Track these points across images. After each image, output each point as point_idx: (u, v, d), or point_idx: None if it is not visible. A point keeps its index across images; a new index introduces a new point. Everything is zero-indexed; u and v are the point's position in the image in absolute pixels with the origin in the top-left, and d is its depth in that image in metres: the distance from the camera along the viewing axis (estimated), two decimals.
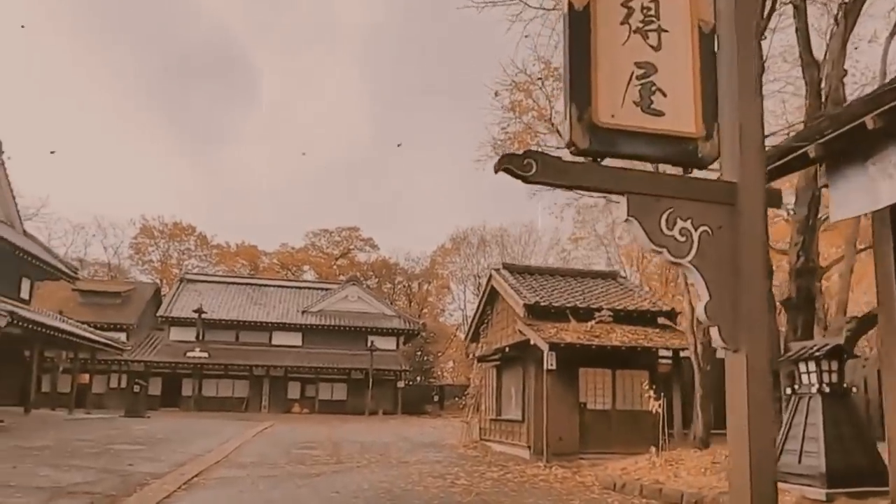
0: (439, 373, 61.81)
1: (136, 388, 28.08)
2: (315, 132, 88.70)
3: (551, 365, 13.06)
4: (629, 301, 15.10)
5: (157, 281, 54.36)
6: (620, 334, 13.51)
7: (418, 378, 52.56)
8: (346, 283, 45.55)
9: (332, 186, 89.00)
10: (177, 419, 27.34)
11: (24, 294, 25.43)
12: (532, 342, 13.28)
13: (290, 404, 38.99)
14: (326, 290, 45.91)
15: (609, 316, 13.77)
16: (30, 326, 20.78)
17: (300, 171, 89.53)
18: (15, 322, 18.62)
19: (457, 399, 44.68)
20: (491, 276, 16.73)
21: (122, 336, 36.76)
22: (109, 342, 27.37)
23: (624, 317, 14.29)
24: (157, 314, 40.04)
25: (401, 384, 40.93)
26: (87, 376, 35.10)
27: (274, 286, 46.57)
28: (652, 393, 11.82)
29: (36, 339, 23.87)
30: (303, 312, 42.29)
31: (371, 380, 38.37)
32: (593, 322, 13.58)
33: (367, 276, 60.16)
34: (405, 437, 20.70)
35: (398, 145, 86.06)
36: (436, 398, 42.39)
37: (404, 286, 64.45)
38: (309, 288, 47.30)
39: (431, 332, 54.82)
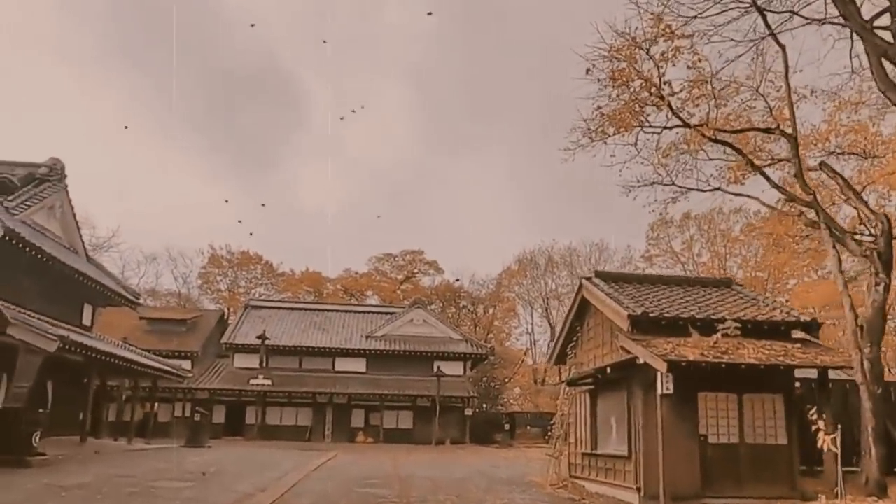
0: (507, 400, 58.98)
1: (197, 417, 26.97)
2: (368, 150, 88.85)
3: (667, 388, 10.61)
4: (755, 311, 12.46)
5: (225, 309, 54.39)
6: (753, 350, 10.92)
7: (485, 405, 49.99)
8: (411, 306, 43.85)
9: (389, 207, 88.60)
10: (238, 449, 25.99)
11: (86, 320, 24.82)
12: (641, 361, 10.88)
13: (353, 433, 37.28)
14: (391, 313, 44.34)
15: (736, 328, 11.20)
16: (86, 352, 19.87)
17: (356, 192, 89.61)
18: (67, 347, 17.57)
19: (528, 428, 41.89)
20: (581, 285, 14.40)
21: (187, 363, 36.14)
22: (170, 369, 26.40)
23: (752, 330, 11.68)
24: (222, 341, 39.39)
25: (469, 412, 38.58)
26: (154, 405, 34.75)
27: (337, 311, 45.40)
28: (820, 423, 9.16)
29: (95, 367, 23.09)
30: (367, 337, 40.79)
31: (438, 407, 36.21)
32: (718, 336, 11.04)
33: (431, 301, 58.42)
34: (480, 471, 18.38)
35: (452, 172, 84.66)
36: (506, 426, 39.65)
37: (469, 310, 62.34)
38: (373, 312, 45.88)
39: (498, 358, 52.30)
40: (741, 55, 10.94)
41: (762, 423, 11.93)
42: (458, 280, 60.86)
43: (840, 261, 11.39)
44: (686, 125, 11.36)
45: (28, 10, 75.94)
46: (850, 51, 12.45)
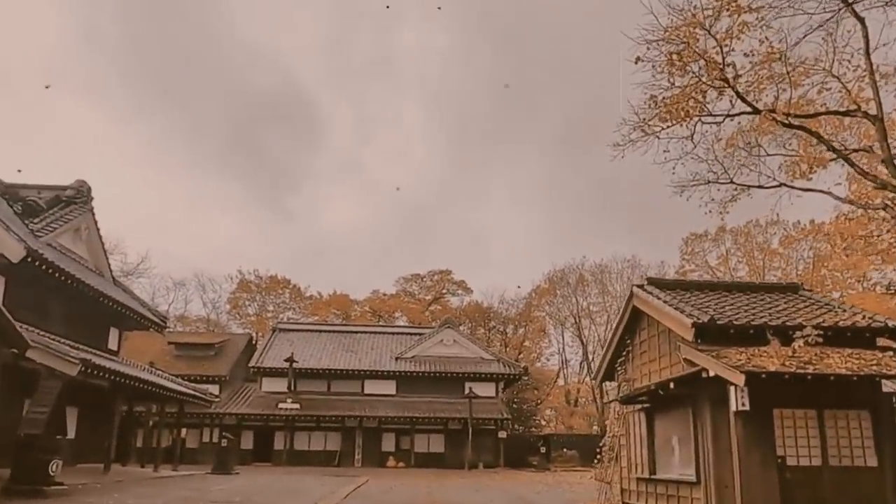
0: (539, 421, 57.21)
1: (224, 443, 26.10)
2: (391, 171, 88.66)
3: (742, 404, 9.37)
4: (832, 317, 11.16)
5: (253, 333, 53.99)
6: (840, 359, 9.64)
7: (518, 427, 48.39)
8: (441, 326, 42.75)
9: (415, 227, 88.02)
10: (266, 475, 25.01)
11: (112, 344, 24.24)
12: (711, 374, 9.67)
13: (384, 458, 36.09)
14: (420, 334, 43.32)
15: (817, 336, 9.94)
16: (111, 377, 19.23)
17: (380, 213, 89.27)
18: (90, 371, 16.89)
19: (564, 450, 40.21)
20: (632, 294, 13.23)
21: (215, 388, 35.49)
22: (198, 394, 25.65)
23: (832, 337, 10.40)
24: (249, 364, 38.72)
25: (502, 434, 37.11)
26: (182, 431, 34.09)
27: (366, 332, 44.53)
28: None
29: (121, 392, 22.45)
30: (396, 359, 39.78)
31: (470, 430, 34.87)
32: (798, 343, 9.79)
33: (461, 321, 57.29)
34: (522, 497, 17.08)
35: (478, 191, 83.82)
36: (542, 449, 38.04)
37: (499, 330, 61.01)
38: (402, 333, 44.91)
39: (530, 378, 50.79)
40: (812, 31, 9.86)
41: (847, 443, 10.54)
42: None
43: None
44: (755, 110, 10.25)
45: (54, 43, 78.00)
46: None
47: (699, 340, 10.53)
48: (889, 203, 10.84)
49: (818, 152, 12.60)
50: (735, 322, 10.62)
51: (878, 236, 14.49)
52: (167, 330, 37.78)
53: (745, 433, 9.71)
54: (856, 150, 11.10)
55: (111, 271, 25.23)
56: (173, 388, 23.40)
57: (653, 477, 12.44)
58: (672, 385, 10.64)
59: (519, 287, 76.37)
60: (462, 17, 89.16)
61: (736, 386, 9.32)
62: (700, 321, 10.44)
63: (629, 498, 13.64)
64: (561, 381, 61.70)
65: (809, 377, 9.10)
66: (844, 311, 11.74)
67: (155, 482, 18.33)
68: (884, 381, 10.25)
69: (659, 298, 12.06)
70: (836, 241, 14.71)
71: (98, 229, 23.69)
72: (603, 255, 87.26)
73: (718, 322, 10.45)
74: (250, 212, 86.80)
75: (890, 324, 10.84)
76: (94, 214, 23.50)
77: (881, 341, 11.22)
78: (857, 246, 15.49)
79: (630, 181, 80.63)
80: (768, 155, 13.20)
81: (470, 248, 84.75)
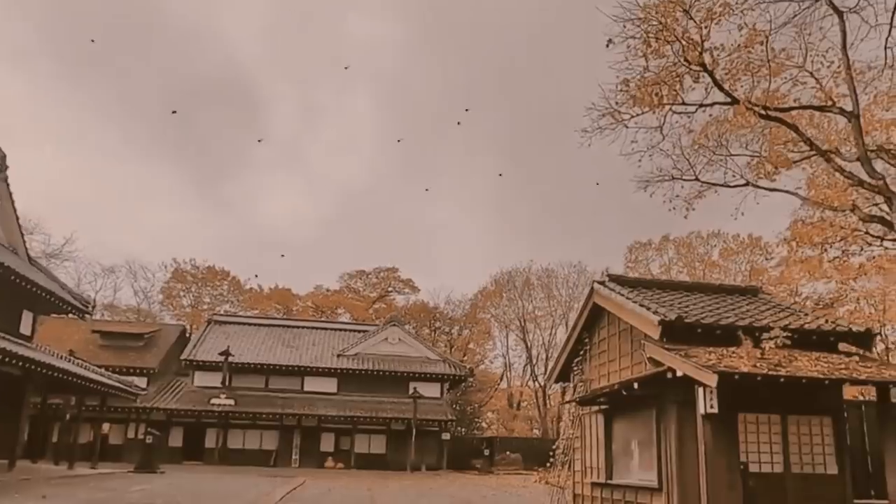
0: (482, 424, 56.83)
1: (149, 439, 24.31)
2: (332, 164, 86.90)
3: (711, 407, 8.86)
4: (796, 320, 10.87)
5: (188, 326, 51.39)
6: (808, 362, 9.29)
7: (461, 430, 47.80)
8: (386, 323, 41.67)
9: (360, 222, 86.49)
10: (195, 475, 23.42)
11: (25, 329, 22.14)
12: (678, 374, 9.14)
13: (323, 458, 34.76)
14: (364, 331, 42.12)
15: (785, 338, 9.57)
16: (20, 364, 17.43)
17: (324, 206, 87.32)
18: None
19: (507, 453, 39.79)
20: (593, 290, 12.66)
21: (143, 381, 33.43)
22: (121, 386, 23.81)
23: (797, 340, 10.07)
24: (181, 357, 36.60)
25: (446, 436, 36.39)
26: (104, 426, 31.80)
27: (307, 327, 42.97)
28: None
29: (33, 381, 20.51)
30: (338, 356, 38.46)
31: (414, 431, 33.96)
32: (770, 345, 9.38)
33: (406, 320, 56.33)
34: (469, 502, 16.34)
35: (426, 189, 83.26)
36: (486, 452, 37.52)
37: (444, 331, 60.30)
38: (345, 330, 43.56)
39: (474, 380, 50.29)
40: (791, 20, 9.52)
41: (809, 450, 10.28)
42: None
43: None
44: (733, 100, 9.84)
45: None
46: (886, 40, 11.25)
47: (665, 339, 10.02)
48: (857, 205, 10.63)
49: (784, 152, 12.40)
50: (703, 321, 10.16)
51: (833, 244, 14.47)
52: (92, 318, 35.41)
53: (712, 438, 9.22)
54: (823, 152, 10.86)
55: (27, 250, 23.12)
56: (94, 379, 21.57)
57: (609, 482, 11.89)
58: (636, 385, 10.08)
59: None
60: (416, 6, 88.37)
61: (705, 387, 8.81)
62: (667, 319, 9.93)
63: (583, 503, 13.07)
64: (504, 384, 61.55)
65: (782, 380, 8.66)
66: (806, 314, 11.51)
67: (66, 481, 16.65)
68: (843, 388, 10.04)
69: (622, 295, 11.53)
70: (792, 245, 14.59)
71: (13, 202, 21.59)
72: (550, 260, 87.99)
73: (686, 321, 9.95)
74: (187, 199, 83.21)
75: (854, 328, 10.62)
76: (8, 185, 21.41)
77: (842, 346, 11.05)
78: (811, 252, 15.48)
79: (580, 187, 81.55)
80: (731, 155, 12.97)
81: (418, 246, 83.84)
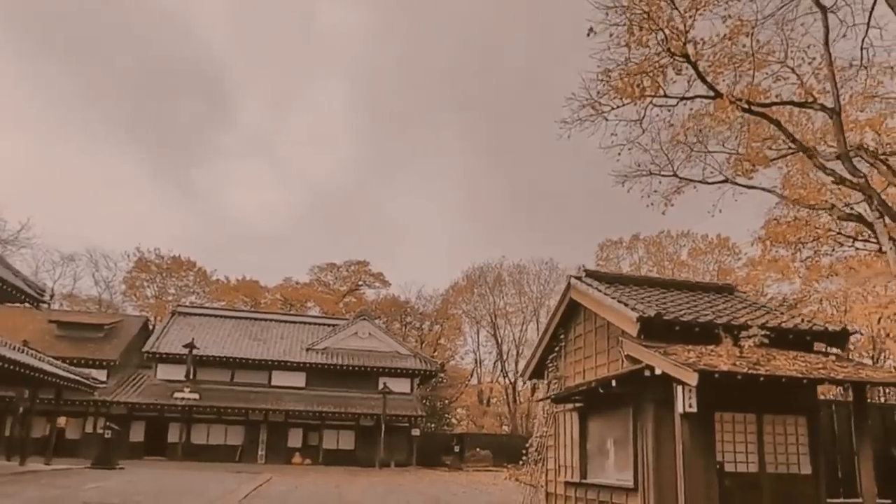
0: (451, 420, 56.68)
1: (107, 434, 23.46)
2: (302, 155, 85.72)
3: (690, 406, 8.70)
4: (773, 319, 10.80)
5: (151, 317, 49.98)
6: (787, 361, 9.19)
7: (431, 426, 47.54)
8: (356, 317, 41.10)
9: (331, 214, 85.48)
10: (156, 471, 22.66)
11: None
12: (657, 371, 8.95)
13: (290, 454, 34.11)
14: (334, 325, 41.49)
15: (763, 336, 9.46)
16: None
17: (294, 197, 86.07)
18: None
19: (477, 450, 39.68)
20: (569, 285, 12.44)
21: (102, 374, 32.27)
22: (78, 378, 22.88)
23: (774, 339, 9.99)
24: (143, 349, 35.51)
25: (416, 432, 36.06)
26: (61, 420, 30.66)
27: (275, 321, 42.15)
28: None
29: None
30: (307, 350, 37.79)
31: (383, 426, 33.55)
32: (749, 344, 9.26)
33: (376, 315, 55.83)
34: (442, 501, 16.06)
35: (398, 184, 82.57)
36: (456, 448, 37.32)
37: (415, 326, 59.91)
38: (314, 323, 42.84)
39: (445, 376, 50.07)
40: (775, 12, 9.39)
41: (784, 450, 10.20)
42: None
43: None
44: (716, 93, 9.67)
45: None
46: (863, 40, 11.24)
47: (643, 336, 9.84)
48: (835, 204, 10.59)
49: (763, 150, 12.34)
50: (682, 318, 9.99)
51: (806, 244, 14.50)
52: (50, 307, 34.12)
53: (690, 437, 9.06)
54: (806, 148, 10.78)
55: None
56: (47, 371, 20.64)
57: (584, 481, 11.68)
58: (614, 383, 9.87)
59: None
60: None
61: (684, 386, 8.64)
62: (646, 315, 9.74)
63: (556, 503, 12.86)
64: (474, 381, 61.49)
65: (762, 378, 8.53)
66: (781, 313, 11.46)
67: (16, 478, 15.85)
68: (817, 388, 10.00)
69: (599, 291, 11.32)
70: (766, 244, 14.60)
71: None
72: (521, 256, 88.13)
73: (665, 318, 9.78)
74: (151, 187, 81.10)
75: (830, 328, 10.59)
76: None
77: (816, 346, 11.02)
78: (784, 252, 15.53)
79: (553, 184, 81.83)
80: (709, 152, 12.87)
81: (389, 240, 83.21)
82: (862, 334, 18.61)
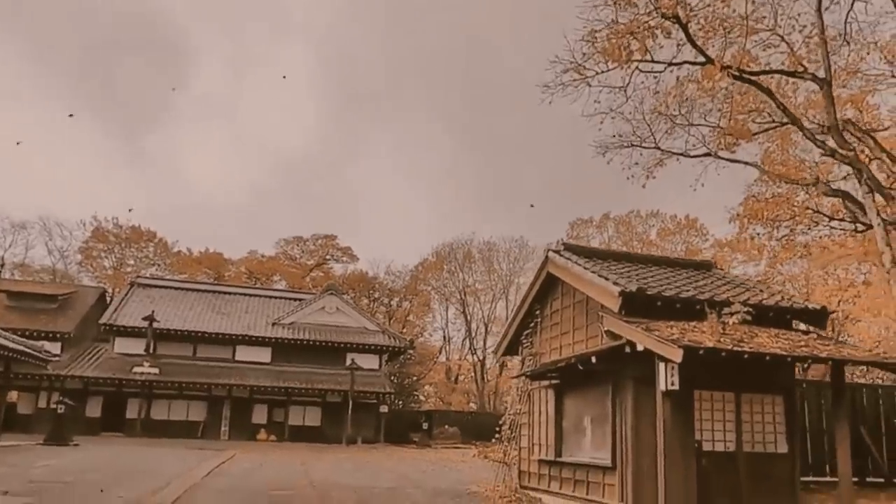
0: (419, 397, 56.62)
1: (61, 409, 22.50)
2: (268, 125, 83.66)
3: (672, 384, 8.44)
4: (753, 295, 10.61)
5: (109, 289, 48.30)
6: (769, 339, 8.98)
7: (399, 402, 47.35)
8: (324, 292, 40.37)
9: (298, 186, 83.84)
10: (112, 448, 21.86)
11: None
12: (639, 348, 8.64)
13: (254, 430, 33.49)
14: (300, 300, 40.72)
15: (746, 313, 9.23)
16: None
17: (260, 168, 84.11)
18: None
19: (446, 427, 39.65)
20: (547, 259, 12.06)
21: (56, 346, 31.06)
22: (29, 350, 21.79)
23: (756, 317, 9.78)
24: (100, 322, 34.23)
25: (384, 409, 35.78)
26: (12, 394, 29.43)
27: (240, 294, 41.19)
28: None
29: None
30: (273, 325, 37.01)
31: (351, 403, 33.14)
32: (733, 320, 9.02)
33: (344, 290, 55.04)
34: (410, 478, 15.74)
35: (364, 156, 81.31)
36: (424, 426, 37.19)
37: (383, 302, 59.35)
38: (280, 297, 41.99)
39: (413, 353, 49.79)
40: None
41: (761, 429, 10.06)
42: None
43: (886, 230, 9.70)
44: (706, 58, 9.27)
45: None
46: (847, 14, 10.96)
47: (624, 312, 9.52)
48: (820, 178, 10.36)
49: (747, 122, 12.06)
50: (664, 294, 9.70)
51: (783, 222, 14.37)
52: (1, 277, 32.54)
53: (671, 415, 8.81)
54: (796, 119, 10.49)
55: None
56: None
57: (559, 459, 11.43)
58: (594, 359, 9.55)
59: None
60: None
61: (667, 363, 8.36)
62: (628, 290, 9.40)
63: (529, 481, 12.62)
64: (443, 358, 61.44)
65: (746, 356, 8.29)
66: (761, 290, 11.28)
67: None
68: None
69: (579, 265, 10.96)
70: (744, 222, 14.44)
71: None
72: (491, 233, 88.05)
73: (648, 292, 9.46)
74: (110, 155, 78.03)
75: (811, 306, 10.44)
76: None
77: (797, 324, 10.90)
78: (762, 229, 15.40)
79: (525, 161, 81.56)
80: (692, 125, 12.55)
81: (357, 214, 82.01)
82: None
